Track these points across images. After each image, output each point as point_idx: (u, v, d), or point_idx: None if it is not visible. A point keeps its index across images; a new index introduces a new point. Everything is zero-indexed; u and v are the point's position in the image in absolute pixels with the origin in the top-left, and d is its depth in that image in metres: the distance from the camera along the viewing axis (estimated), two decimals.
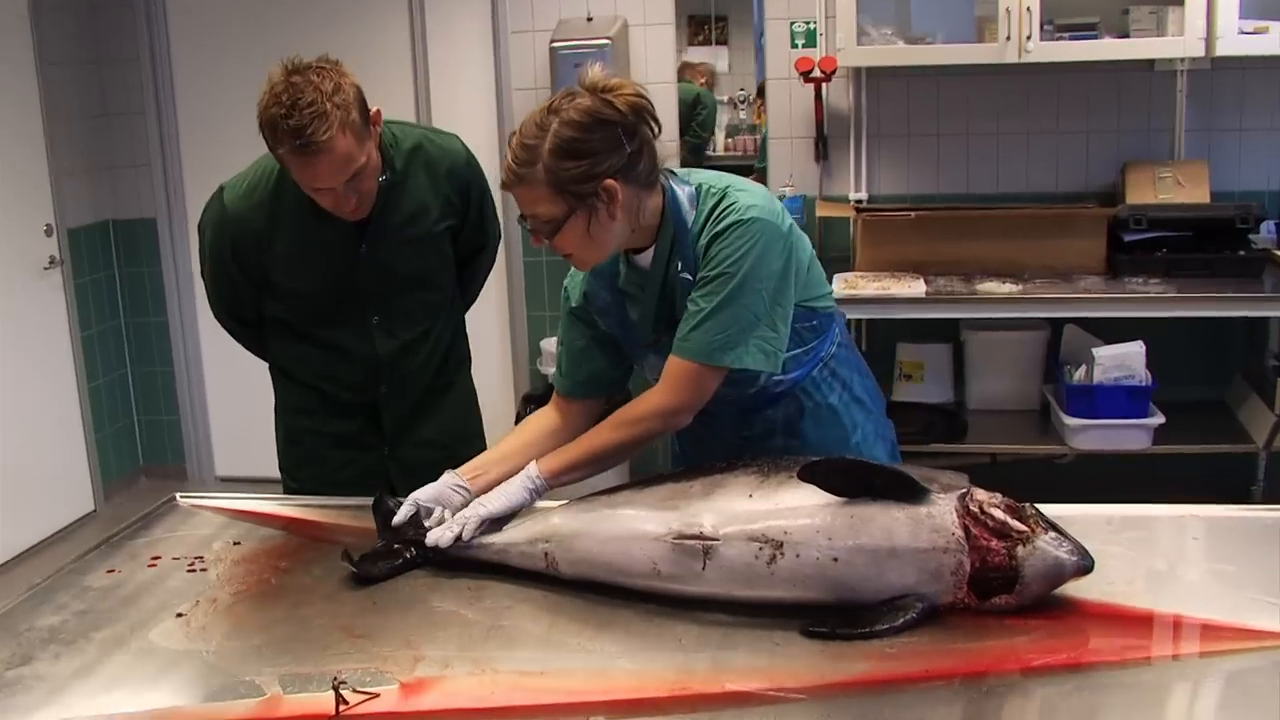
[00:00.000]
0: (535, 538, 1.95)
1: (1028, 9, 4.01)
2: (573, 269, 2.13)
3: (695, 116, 5.41)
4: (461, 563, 1.99)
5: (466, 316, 2.86)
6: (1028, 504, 1.79)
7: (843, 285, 4.07)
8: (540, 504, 2.05)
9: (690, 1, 5.29)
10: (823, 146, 4.65)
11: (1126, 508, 2.13)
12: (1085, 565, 1.72)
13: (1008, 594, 1.72)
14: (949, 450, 4.16)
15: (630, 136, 1.92)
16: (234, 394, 5.29)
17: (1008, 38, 4.05)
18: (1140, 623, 1.72)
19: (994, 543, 1.72)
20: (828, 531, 1.75)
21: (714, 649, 1.70)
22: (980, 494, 1.79)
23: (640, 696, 1.60)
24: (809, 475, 1.80)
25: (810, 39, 4.61)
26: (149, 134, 5.22)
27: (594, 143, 1.89)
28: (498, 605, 1.87)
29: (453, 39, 4.94)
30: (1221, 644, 1.66)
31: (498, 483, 2.07)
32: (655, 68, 4.75)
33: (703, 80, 5.60)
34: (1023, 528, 1.73)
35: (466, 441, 2.73)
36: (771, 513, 1.79)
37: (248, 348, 2.80)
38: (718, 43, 5.72)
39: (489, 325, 4.98)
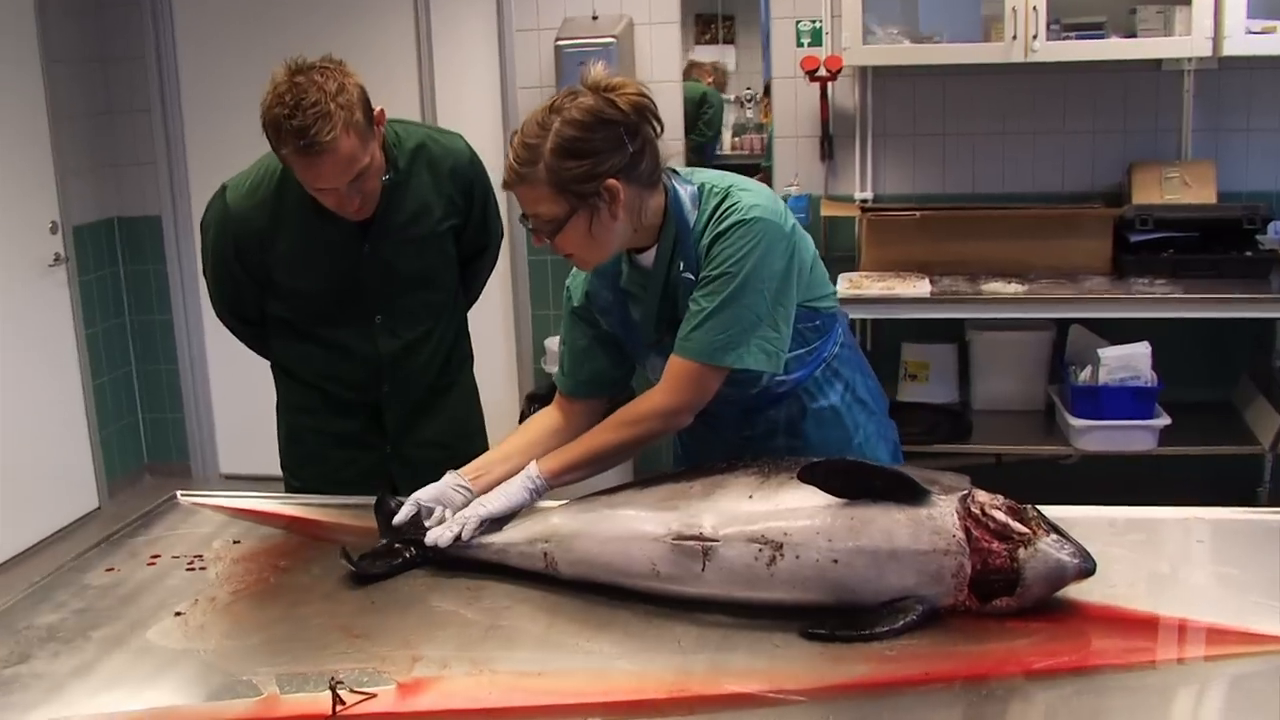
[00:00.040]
0: (534, 538, 1.94)
1: (1034, 8, 3.99)
2: (575, 268, 2.13)
3: (701, 115, 5.38)
4: (461, 562, 1.98)
5: (471, 315, 2.85)
6: (1029, 506, 1.78)
7: (848, 285, 4.06)
8: (540, 504, 2.04)
9: (697, 0, 5.28)
10: (828, 146, 4.63)
11: (1130, 510, 2.12)
12: (1087, 568, 1.71)
13: (1009, 596, 1.71)
14: (954, 450, 4.14)
15: (632, 136, 1.91)
16: (238, 392, 5.29)
17: (1014, 37, 4.03)
18: (1142, 626, 1.71)
19: (995, 545, 1.71)
20: (828, 533, 1.74)
21: (713, 650, 1.70)
22: (982, 496, 1.78)
23: (639, 698, 1.59)
24: (809, 476, 1.79)
25: (816, 38, 4.60)
26: (154, 132, 5.22)
27: (596, 142, 1.89)
28: (496, 605, 1.87)
29: (458, 37, 4.94)
30: (1224, 648, 1.65)
31: (499, 483, 2.06)
32: (660, 66, 4.74)
33: (709, 79, 5.58)
34: (1024, 530, 1.72)
35: (468, 440, 2.74)
36: (771, 514, 1.79)
37: (250, 346, 2.80)
38: (725, 41, 5.70)
39: (493, 324, 4.98)
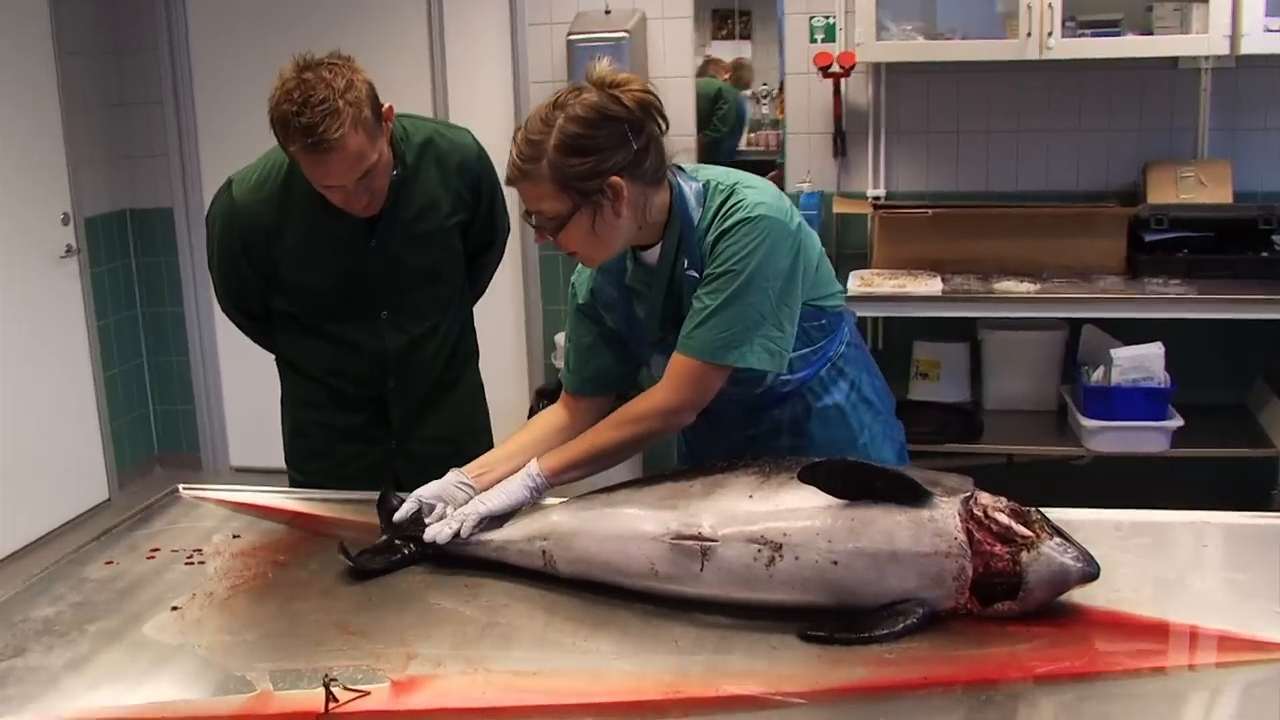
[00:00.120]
0: (533, 535, 1.93)
1: (1050, 5, 3.96)
2: (580, 264, 2.11)
3: (716, 111, 5.37)
4: (460, 559, 1.97)
5: (480, 310, 2.84)
6: (1033, 509, 1.76)
7: (859, 283, 4.04)
8: (541, 501, 2.02)
9: None
10: (841, 142, 4.61)
11: (1137, 513, 2.10)
12: (1090, 572, 1.69)
13: (1011, 600, 1.69)
14: (965, 450, 4.12)
15: (637, 133, 1.89)
16: (249, 384, 5.28)
17: (1029, 34, 4.00)
18: (1147, 632, 1.68)
19: (998, 547, 1.69)
20: (828, 534, 1.73)
21: (710, 651, 1.68)
22: (985, 498, 1.76)
23: (635, 699, 1.58)
24: (809, 477, 1.78)
25: (830, 34, 4.57)
26: (166, 124, 5.23)
27: (600, 139, 1.87)
28: (494, 603, 1.86)
29: (471, 32, 4.93)
30: (1229, 655, 1.63)
31: (502, 480, 2.05)
32: (673, 61, 4.72)
33: (726, 75, 5.57)
34: (1027, 533, 1.70)
35: (474, 435, 2.73)
36: (771, 514, 1.77)
37: (255, 341, 2.80)
38: (741, 37, 5.68)
39: (503, 319, 4.98)
